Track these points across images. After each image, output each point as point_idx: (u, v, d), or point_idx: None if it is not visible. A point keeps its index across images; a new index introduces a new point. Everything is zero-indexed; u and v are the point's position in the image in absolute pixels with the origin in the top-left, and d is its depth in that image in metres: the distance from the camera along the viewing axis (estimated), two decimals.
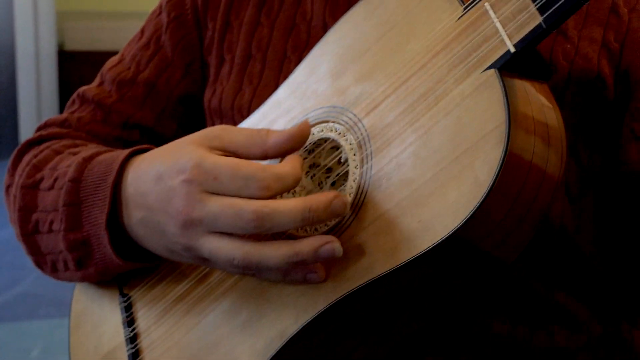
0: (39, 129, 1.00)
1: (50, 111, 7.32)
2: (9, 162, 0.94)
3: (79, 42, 7.73)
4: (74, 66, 7.58)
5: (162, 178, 0.69)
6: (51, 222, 0.83)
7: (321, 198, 0.63)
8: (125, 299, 0.84)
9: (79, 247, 0.81)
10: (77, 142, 0.93)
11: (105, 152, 0.83)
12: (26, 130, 6.81)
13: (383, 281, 0.63)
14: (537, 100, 0.64)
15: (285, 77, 0.83)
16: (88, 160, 0.82)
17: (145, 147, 0.80)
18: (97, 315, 0.87)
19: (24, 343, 3.38)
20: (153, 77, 0.97)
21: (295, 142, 0.66)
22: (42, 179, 0.87)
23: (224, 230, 0.64)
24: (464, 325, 0.78)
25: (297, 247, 0.63)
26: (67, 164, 0.84)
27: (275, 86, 0.84)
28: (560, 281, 0.80)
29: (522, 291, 0.78)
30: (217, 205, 0.64)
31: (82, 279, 0.85)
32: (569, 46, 0.77)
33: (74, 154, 0.87)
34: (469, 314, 0.77)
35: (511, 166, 0.59)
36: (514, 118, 0.59)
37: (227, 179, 0.64)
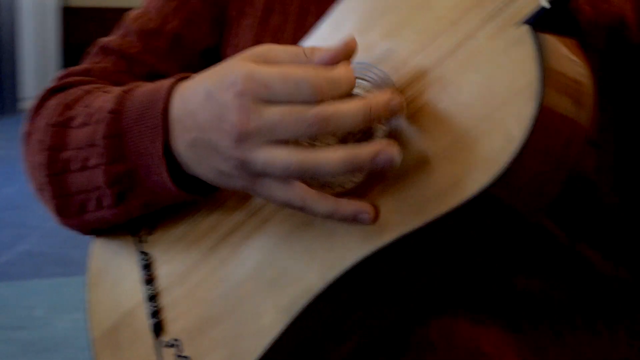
0: (60, 78, 0.98)
1: (52, 66, 7.35)
2: (29, 109, 0.93)
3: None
4: (79, 23, 7.60)
5: (211, 95, 0.69)
6: (86, 159, 0.83)
7: (379, 97, 0.64)
8: (145, 257, 0.85)
9: (122, 180, 0.81)
10: (107, 87, 0.92)
11: (143, 84, 0.83)
12: (27, 87, 6.86)
13: (411, 238, 0.65)
14: (567, 57, 0.65)
15: (306, 31, 0.84)
16: (127, 92, 0.82)
17: (188, 74, 0.79)
18: (115, 273, 0.88)
19: (28, 301, 3.42)
20: (180, 29, 0.97)
21: (342, 58, 0.66)
22: (73, 117, 0.86)
23: (283, 138, 0.64)
24: (484, 281, 0.79)
25: (356, 150, 0.63)
26: (104, 99, 0.84)
27: (296, 40, 0.85)
28: (582, 231, 0.81)
29: (544, 243, 0.79)
30: (275, 113, 0.64)
31: (116, 216, 0.84)
32: None
33: (108, 92, 0.86)
34: (489, 269, 0.78)
35: (543, 122, 0.60)
36: (546, 74, 0.60)
37: (279, 85, 0.64)
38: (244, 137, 0.65)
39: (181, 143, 0.74)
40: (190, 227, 0.81)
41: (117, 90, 0.84)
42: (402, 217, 0.66)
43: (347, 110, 0.63)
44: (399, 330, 0.77)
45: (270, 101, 0.64)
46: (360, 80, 0.72)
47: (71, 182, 0.85)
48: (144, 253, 0.85)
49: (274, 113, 0.64)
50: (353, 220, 0.65)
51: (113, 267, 0.89)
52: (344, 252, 0.68)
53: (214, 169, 0.71)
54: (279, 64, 0.67)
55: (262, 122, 0.64)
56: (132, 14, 1.00)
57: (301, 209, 0.66)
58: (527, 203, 0.66)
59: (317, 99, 0.63)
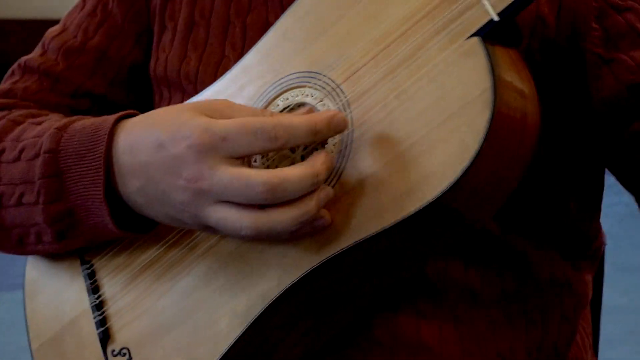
0: None
1: None
2: None
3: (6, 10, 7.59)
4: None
5: (164, 146, 0.69)
6: (21, 195, 0.82)
7: (324, 164, 0.65)
8: (88, 265, 0.85)
9: (63, 219, 0.80)
10: (33, 111, 0.92)
11: (77, 120, 0.83)
12: None
13: (367, 243, 0.66)
14: (514, 65, 0.68)
15: (231, 41, 0.87)
16: (62, 129, 0.81)
17: (130, 112, 0.79)
18: (56, 283, 0.88)
19: None
20: (104, 45, 0.97)
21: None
22: (2, 151, 0.86)
23: (233, 201, 0.65)
24: (424, 276, 0.81)
25: (304, 206, 0.64)
26: (35, 134, 0.84)
27: (222, 51, 0.88)
28: (514, 223, 0.83)
29: (479, 236, 0.82)
30: (227, 175, 0.64)
31: (58, 250, 0.84)
32: None
33: (38, 123, 0.86)
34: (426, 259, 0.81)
35: (496, 130, 0.62)
36: (498, 84, 0.63)
37: (236, 137, 0.65)
38: (197, 194, 0.66)
39: (129, 187, 0.74)
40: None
41: (50, 126, 0.83)
42: (359, 223, 0.67)
43: (295, 178, 0.64)
44: (346, 329, 0.79)
45: (226, 155, 0.65)
46: (310, 90, 0.74)
47: (6, 217, 0.84)
48: (86, 262, 0.85)
49: (226, 175, 0.65)
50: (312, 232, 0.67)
51: (52, 276, 0.89)
52: (300, 258, 0.69)
53: (166, 215, 0.72)
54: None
55: (215, 182, 0.65)
56: (51, 32, 1.00)
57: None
58: (480, 207, 0.69)
59: (273, 147, 0.65)
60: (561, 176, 0.87)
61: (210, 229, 0.69)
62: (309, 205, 0.64)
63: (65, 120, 0.83)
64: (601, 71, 0.81)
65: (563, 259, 0.89)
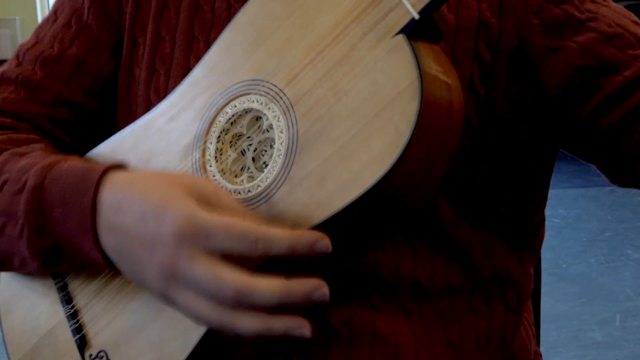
0: None
1: None
2: None
3: None
4: None
5: (147, 220, 0.70)
6: (3, 226, 0.82)
7: (301, 285, 0.64)
8: (59, 279, 0.85)
9: (48, 252, 0.80)
10: (13, 137, 0.91)
11: (62, 160, 0.83)
12: None
13: (319, 229, 0.68)
14: (436, 58, 0.72)
15: (196, 56, 0.88)
16: (48, 168, 0.81)
17: (118, 164, 0.80)
18: (30, 298, 0.89)
19: None
20: (81, 55, 0.97)
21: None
22: None
23: (202, 295, 0.65)
24: (376, 271, 0.83)
25: (270, 323, 0.64)
26: (18, 168, 0.83)
27: (187, 65, 0.89)
28: (462, 217, 0.86)
29: (424, 229, 0.84)
30: (201, 270, 0.65)
31: (42, 273, 0.86)
32: (457, 4, 0.84)
33: (21, 155, 0.86)
34: (376, 255, 0.83)
35: (425, 116, 0.67)
36: (423, 76, 0.67)
37: (219, 236, 0.65)
38: (169, 277, 0.67)
39: (106, 241, 0.74)
40: None
41: (34, 160, 0.83)
42: (310, 212, 0.70)
43: (265, 292, 0.63)
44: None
45: (206, 249, 0.65)
46: (256, 96, 0.77)
47: None
48: (57, 276, 0.86)
49: (201, 270, 0.65)
50: None
51: (26, 293, 0.89)
52: None
53: (134, 278, 0.74)
54: (220, 210, 0.68)
55: (188, 273, 0.65)
56: (24, 45, 0.99)
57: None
58: (416, 189, 0.72)
59: (253, 255, 0.65)
60: (512, 163, 0.89)
61: (173, 306, 0.70)
62: (274, 325, 0.64)
63: (50, 158, 0.83)
64: (550, 60, 0.84)
65: (510, 252, 0.92)
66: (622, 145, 0.84)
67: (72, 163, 0.81)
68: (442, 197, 0.84)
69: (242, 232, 0.65)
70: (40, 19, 7.74)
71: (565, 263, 3.62)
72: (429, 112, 0.67)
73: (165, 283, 0.68)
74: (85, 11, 0.97)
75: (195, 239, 0.66)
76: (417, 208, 0.75)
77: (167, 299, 0.69)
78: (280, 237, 0.65)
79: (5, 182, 0.83)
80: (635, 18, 0.86)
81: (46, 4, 7.97)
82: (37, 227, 0.79)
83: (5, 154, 0.86)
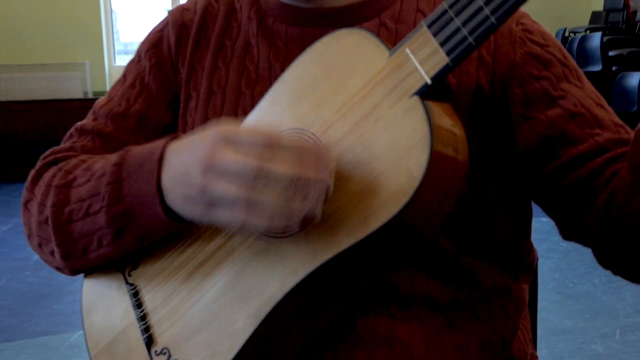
0: (45, 157, 1.01)
1: None
2: (27, 181, 0.97)
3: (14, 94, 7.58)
4: None
5: (194, 141, 0.77)
6: (89, 207, 0.87)
7: (311, 170, 0.70)
8: (132, 287, 0.90)
9: (120, 218, 0.85)
10: (102, 155, 0.96)
11: (134, 147, 0.88)
12: None
13: (348, 252, 0.74)
14: (446, 115, 0.76)
15: (242, 107, 0.93)
16: (127, 151, 0.87)
17: (178, 135, 0.86)
18: (107, 303, 0.93)
19: None
20: (143, 111, 1.01)
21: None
22: (75, 178, 0.90)
23: (234, 180, 0.71)
24: (395, 285, 0.87)
25: (290, 199, 0.70)
26: (104, 162, 0.89)
27: (235, 115, 0.94)
28: (464, 245, 0.90)
29: (435, 254, 0.88)
30: (231, 158, 0.71)
31: (114, 252, 0.88)
32: (459, 70, 0.88)
33: (104, 157, 0.91)
34: (395, 273, 0.87)
35: (434, 163, 0.71)
36: (434, 130, 0.71)
37: (242, 137, 0.72)
38: (209, 168, 0.72)
39: (166, 178, 0.80)
40: (168, 261, 0.88)
41: (114, 154, 0.89)
42: (340, 238, 0.74)
43: (280, 172, 0.70)
44: (334, 327, 0.85)
45: (234, 148, 0.72)
46: None
47: (75, 230, 0.89)
48: (130, 284, 0.91)
49: (230, 158, 0.71)
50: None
51: (104, 298, 0.94)
52: (296, 268, 0.77)
53: (182, 194, 0.77)
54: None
55: (222, 163, 0.71)
56: (99, 102, 1.04)
57: (242, 227, 0.72)
58: (427, 222, 0.76)
59: (266, 151, 0.71)
60: (497, 207, 0.92)
61: (215, 208, 0.74)
62: (292, 202, 0.70)
63: (125, 149, 0.89)
64: (523, 126, 0.88)
65: (503, 272, 0.94)
66: (569, 207, 0.86)
67: (143, 146, 0.87)
68: (442, 234, 0.87)
69: (261, 134, 0.72)
70: (106, 63, 7.86)
71: (571, 283, 3.61)
72: (438, 161, 0.72)
73: (206, 177, 0.73)
74: (147, 74, 1.02)
75: (225, 140, 0.73)
76: (429, 236, 0.80)
77: (207, 194, 0.73)
78: (288, 142, 0.72)
79: (92, 174, 0.89)
80: (601, 101, 0.90)
81: (112, 49, 8.09)
82: (114, 196, 0.85)
83: (93, 159, 0.93)
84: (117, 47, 8.24)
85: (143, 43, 1.05)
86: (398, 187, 0.72)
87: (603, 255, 0.85)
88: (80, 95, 7.75)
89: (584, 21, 7.55)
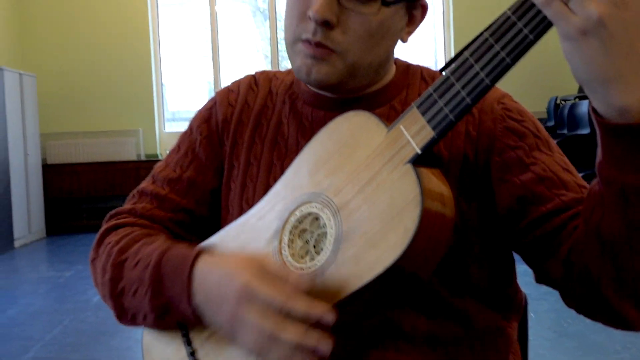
0: (111, 216, 1.05)
1: (38, 212, 7.16)
2: (94, 242, 1.01)
3: (58, 157, 7.66)
4: (55, 176, 7.54)
5: (220, 284, 0.82)
6: (136, 290, 0.91)
7: (312, 340, 0.74)
8: (183, 329, 0.93)
9: (161, 308, 0.89)
10: (149, 232, 1.00)
11: (174, 246, 0.93)
12: (19, 230, 6.64)
13: (355, 294, 0.77)
14: (435, 179, 0.79)
15: (274, 176, 0.96)
16: (165, 251, 0.91)
17: (207, 250, 0.90)
18: (163, 341, 0.96)
19: None
20: (194, 176, 1.04)
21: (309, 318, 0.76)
22: (126, 259, 0.94)
23: (253, 331, 0.77)
24: (400, 325, 0.89)
25: (305, 342, 0.74)
26: (148, 252, 0.93)
27: (267, 183, 0.97)
28: (458, 289, 0.92)
29: (433, 297, 0.90)
30: (252, 317, 0.77)
31: (157, 326, 0.94)
32: (447, 141, 0.92)
33: (151, 243, 0.95)
34: (399, 313, 0.89)
35: (425, 218, 0.74)
36: (424, 192, 0.75)
37: (263, 301, 0.77)
38: (233, 321, 0.79)
39: (198, 297, 0.85)
40: None
41: (157, 245, 0.93)
42: (350, 282, 0.77)
43: (291, 328, 0.74)
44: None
45: (254, 305, 0.77)
46: (315, 204, 0.85)
47: (125, 302, 0.94)
48: (181, 327, 0.93)
49: (251, 317, 0.77)
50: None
51: (160, 338, 0.97)
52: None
53: (214, 320, 0.84)
54: (271, 277, 0.79)
55: (244, 320, 0.77)
56: (158, 167, 1.09)
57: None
58: (422, 267, 0.79)
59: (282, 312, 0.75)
60: (483, 258, 0.93)
61: (236, 338, 0.80)
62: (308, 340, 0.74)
63: (167, 244, 0.93)
64: (501, 188, 0.90)
65: (494, 312, 0.96)
66: (539, 255, 0.88)
67: (179, 248, 0.91)
68: (437, 280, 0.90)
69: (277, 299, 0.76)
70: (157, 130, 7.96)
71: (565, 323, 3.56)
72: (428, 216, 0.75)
73: (230, 325, 0.80)
74: (198, 145, 1.06)
75: (248, 299, 0.77)
76: (426, 279, 0.82)
77: (233, 334, 0.80)
78: (299, 307, 0.75)
79: (139, 261, 0.93)
80: (568, 166, 0.92)
81: (162, 118, 8.14)
82: (156, 290, 0.89)
83: (142, 241, 0.97)
84: (167, 116, 8.25)
85: (195, 118, 1.09)
86: (395, 239, 0.75)
87: (567, 296, 0.87)
88: (134, 158, 7.79)
89: (573, 90, 7.55)
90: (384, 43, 0.94)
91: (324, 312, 0.75)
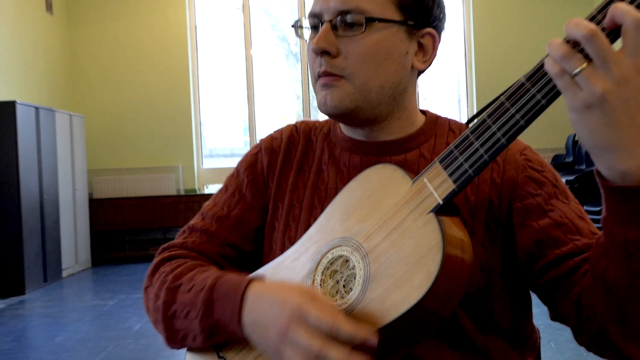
0: (164, 249, 1.07)
1: (84, 243, 7.25)
2: (148, 271, 1.04)
3: (103, 192, 7.78)
4: (100, 209, 7.66)
5: (273, 307, 0.83)
6: (188, 312, 0.93)
7: None
8: (222, 358, 0.95)
9: (211, 328, 0.90)
10: (201, 262, 1.02)
11: (226, 274, 0.94)
12: (68, 261, 6.75)
13: (381, 331, 0.78)
14: (455, 227, 0.81)
15: (315, 217, 0.98)
16: (219, 277, 0.92)
17: (258, 278, 0.91)
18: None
19: None
20: (240, 215, 1.07)
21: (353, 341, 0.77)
22: (180, 285, 0.96)
23: (301, 352, 0.77)
24: (420, 356, 0.90)
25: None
26: (202, 278, 0.94)
27: (308, 224, 0.99)
28: (481, 325, 0.93)
29: (458, 332, 0.92)
30: (301, 338, 0.78)
31: (205, 345, 0.94)
32: (474, 187, 0.95)
33: (204, 271, 0.97)
34: (425, 346, 0.91)
35: (446, 262, 0.76)
36: (445, 238, 0.77)
37: (313, 323, 0.78)
38: (283, 340, 0.80)
39: (248, 319, 0.86)
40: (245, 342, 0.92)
41: (210, 273, 0.95)
42: (377, 319, 0.79)
43: (335, 352, 0.75)
44: None
45: (305, 327, 0.78)
46: (345, 247, 0.87)
47: (176, 324, 0.95)
48: (221, 357, 0.95)
49: (301, 338, 0.77)
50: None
51: (201, 356, 0.98)
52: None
53: (262, 340, 0.85)
54: (319, 304, 0.80)
55: (294, 339, 0.78)
56: (207, 206, 1.11)
57: None
58: (442, 307, 0.80)
59: (330, 334, 0.76)
60: (504, 297, 0.95)
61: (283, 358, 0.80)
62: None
63: (219, 273, 0.95)
64: (521, 232, 0.92)
65: (513, 349, 0.97)
66: (553, 295, 0.90)
67: (231, 275, 0.93)
68: (464, 315, 0.92)
69: (326, 321, 0.77)
70: (195, 166, 8.04)
71: (585, 352, 3.52)
72: (448, 261, 0.77)
73: (278, 345, 0.80)
74: (244, 187, 1.09)
75: (299, 320, 0.78)
76: (446, 317, 0.82)
77: (279, 354, 0.80)
78: (346, 328, 0.77)
79: (193, 286, 0.94)
80: (583, 214, 0.94)
81: (200, 155, 8.22)
82: (207, 311, 0.90)
83: (196, 270, 0.99)
84: (204, 152, 8.32)
85: (241, 163, 1.12)
86: (419, 281, 0.77)
87: (578, 335, 0.88)
88: (173, 192, 7.87)
89: None
90: (389, 65, 0.96)
91: (369, 335, 0.77)
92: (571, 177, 6.03)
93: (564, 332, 3.66)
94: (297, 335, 0.78)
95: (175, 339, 0.98)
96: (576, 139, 7.33)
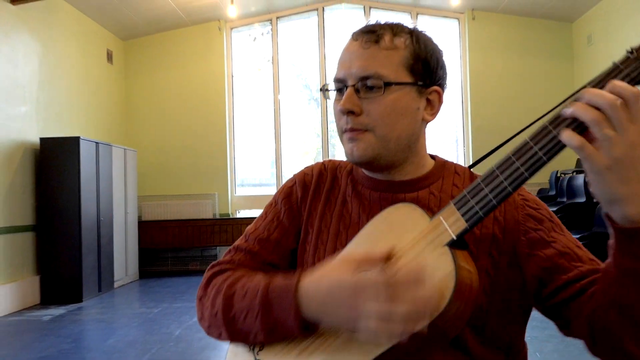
0: (213, 265, 1.06)
1: (133, 259, 7.25)
2: (201, 284, 1.02)
3: (150, 215, 7.81)
4: (147, 229, 7.68)
5: (332, 290, 0.80)
6: (246, 314, 0.91)
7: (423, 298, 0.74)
8: (257, 355, 0.94)
9: (270, 325, 0.89)
10: (249, 271, 1.00)
11: (275, 276, 0.92)
12: (119, 273, 6.74)
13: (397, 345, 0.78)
14: (465, 259, 0.81)
15: (340, 241, 0.97)
16: (271, 277, 0.91)
17: (304, 274, 0.88)
18: (239, 355, 0.96)
19: None
20: (279, 238, 1.06)
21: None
22: (235, 292, 0.94)
23: (373, 319, 0.75)
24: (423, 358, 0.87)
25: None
26: (254, 285, 0.92)
27: (335, 247, 0.98)
28: (481, 340, 0.92)
29: (461, 344, 0.90)
30: (370, 305, 0.75)
31: (266, 342, 0.92)
32: (481, 225, 0.92)
33: (253, 279, 0.95)
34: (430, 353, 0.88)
35: (458, 288, 0.76)
36: (457, 268, 0.77)
37: (373, 289, 0.76)
38: (355, 313, 0.77)
39: (309, 309, 0.84)
40: (284, 344, 0.92)
41: (260, 277, 0.93)
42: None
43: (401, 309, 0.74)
44: None
45: (370, 298, 0.76)
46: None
47: (237, 326, 0.93)
48: (253, 348, 0.95)
49: (370, 305, 0.75)
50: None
51: (239, 355, 0.98)
52: (368, 350, 0.81)
53: (336, 322, 0.82)
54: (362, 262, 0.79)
55: (365, 309, 0.76)
56: (249, 229, 1.10)
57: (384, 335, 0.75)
58: (451, 326, 0.79)
59: (388, 290, 0.75)
60: (505, 316, 0.94)
61: (355, 328, 0.77)
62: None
63: (268, 277, 0.93)
64: (528, 261, 0.91)
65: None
66: (562, 314, 0.90)
67: (279, 278, 0.91)
68: (470, 331, 0.91)
69: (381, 280, 0.76)
70: (229, 194, 8.06)
71: None
72: (460, 286, 0.77)
73: (352, 321, 0.78)
74: (282, 214, 1.08)
75: (360, 293, 0.77)
76: (452, 336, 0.82)
77: (355, 328, 0.78)
78: (399, 277, 0.75)
79: (247, 292, 0.93)
80: (579, 243, 0.94)
81: (234, 184, 8.26)
82: (265, 311, 0.89)
83: (245, 278, 0.97)
84: (237, 182, 8.35)
85: (279, 193, 1.11)
86: (436, 302, 0.77)
87: (592, 349, 0.86)
88: (210, 216, 7.89)
89: (571, 165, 7.47)
90: (404, 119, 0.96)
91: (420, 279, 0.75)
92: (554, 208, 5.98)
93: (548, 344, 3.62)
94: (365, 305, 0.76)
95: (237, 338, 0.96)
96: (558, 175, 7.30)
